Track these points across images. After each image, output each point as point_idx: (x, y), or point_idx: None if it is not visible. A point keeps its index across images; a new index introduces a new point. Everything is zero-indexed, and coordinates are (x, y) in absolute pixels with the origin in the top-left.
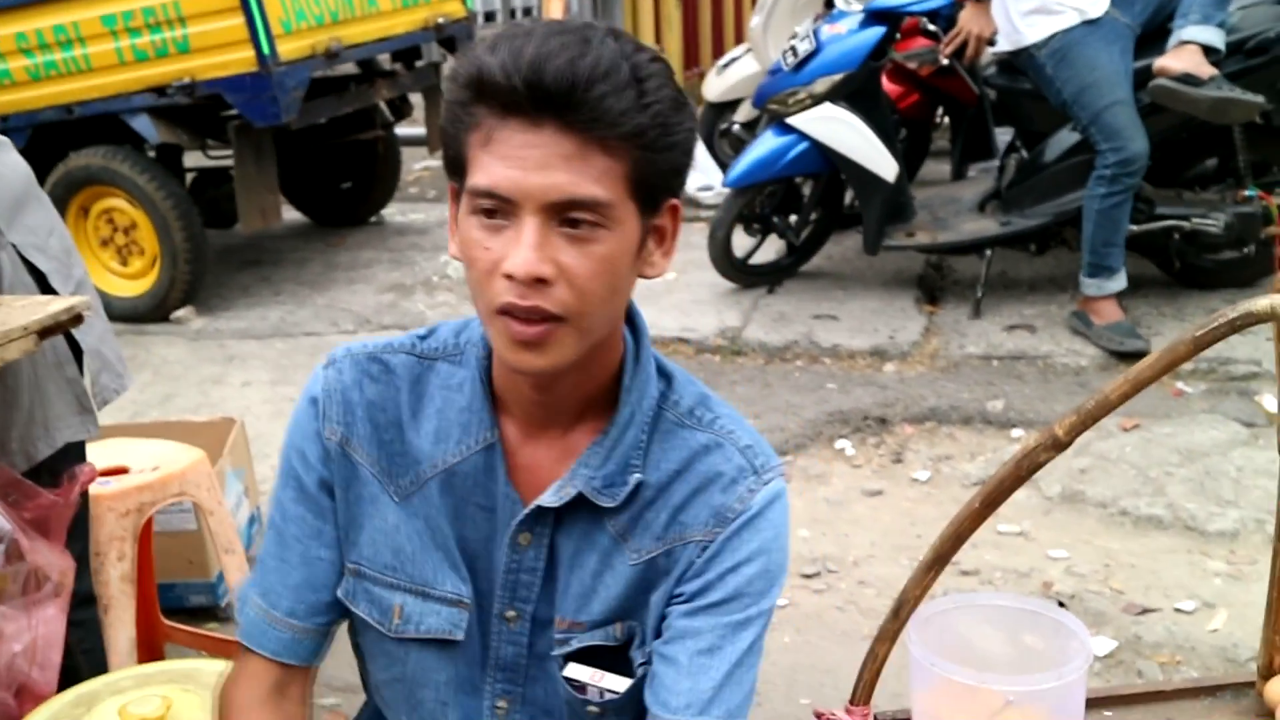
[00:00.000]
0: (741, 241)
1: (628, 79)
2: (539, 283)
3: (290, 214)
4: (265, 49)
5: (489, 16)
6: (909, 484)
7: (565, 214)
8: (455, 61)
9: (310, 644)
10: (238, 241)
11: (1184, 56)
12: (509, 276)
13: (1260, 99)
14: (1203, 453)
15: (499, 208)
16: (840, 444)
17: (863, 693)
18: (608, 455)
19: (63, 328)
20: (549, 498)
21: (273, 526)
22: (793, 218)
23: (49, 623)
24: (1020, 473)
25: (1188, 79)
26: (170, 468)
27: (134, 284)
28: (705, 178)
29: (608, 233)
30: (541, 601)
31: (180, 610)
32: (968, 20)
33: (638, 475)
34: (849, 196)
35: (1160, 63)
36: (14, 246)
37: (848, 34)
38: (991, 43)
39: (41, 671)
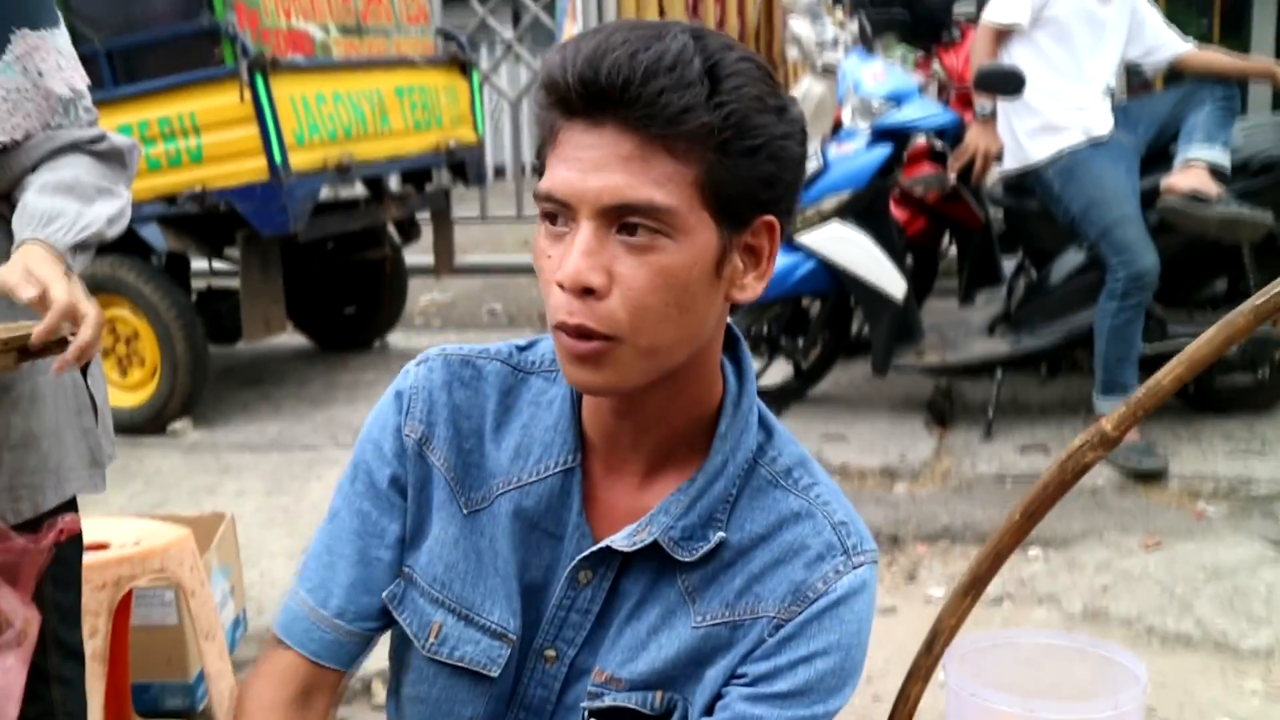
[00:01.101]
0: None
1: (698, 74)
2: (589, 294)
3: (294, 338)
4: (277, 159)
5: (499, 171)
6: (923, 602)
7: (622, 219)
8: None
9: (353, 648)
10: (240, 361)
11: (1191, 175)
12: (561, 286)
13: (1269, 216)
14: (1230, 570)
15: (558, 212)
16: None
17: None
18: (691, 504)
19: (49, 351)
20: (621, 540)
21: (333, 519)
22: (800, 340)
23: (7, 673)
24: (1065, 476)
25: (1195, 197)
26: (152, 542)
27: (132, 395)
28: None
29: (671, 242)
30: (585, 648)
31: (155, 714)
32: (975, 137)
33: (721, 533)
34: (856, 324)
35: (1167, 181)
36: None
37: (855, 153)
38: (999, 159)
39: None
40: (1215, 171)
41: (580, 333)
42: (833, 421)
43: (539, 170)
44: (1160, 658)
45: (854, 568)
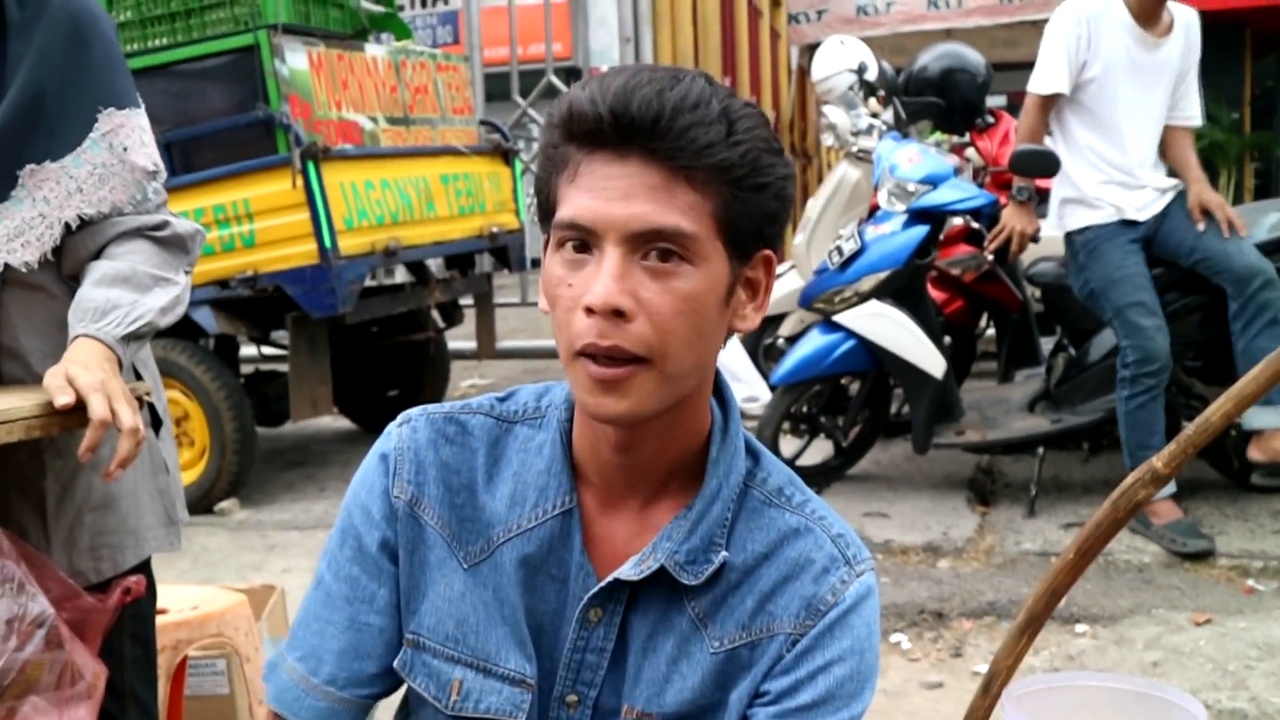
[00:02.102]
0: (788, 446)
1: (717, 114)
2: (618, 317)
3: (338, 421)
4: (327, 243)
5: (535, 264)
6: (970, 677)
7: (648, 245)
8: (551, 106)
9: (346, 716)
10: (285, 444)
11: (1266, 449)
12: (589, 310)
13: None
14: None
15: (582, 240)
16: (896, 638)
17: None
18: (692, 529)
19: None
20: (628, 571)
21: (320, 585)
22: (839, 419)
23: None
24: (1118, 514)
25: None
26: (209, 608)
27: (181, 475)
28: (750, 389)
29: (692, 269)
30: (606, 688)
31: None
32: (1010, 217)
33: (723, 554)
34: (895, 404)
35: (1251, 454)
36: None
37: (892, 234)
38: (1035, 239)
39: None
40: None
41: (612, 354)
42: (874, 500)
43: (543, 210)
44: None
45: (858, 576)
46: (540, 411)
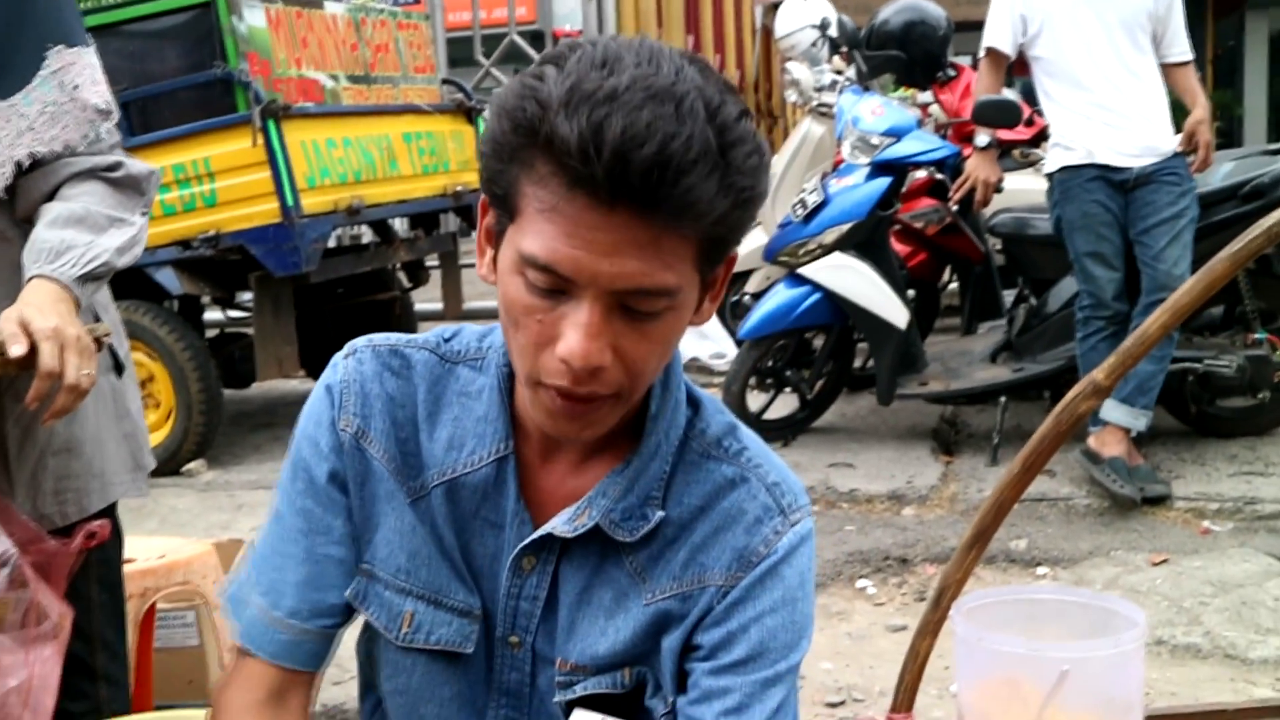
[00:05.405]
0: (755, 400)
1: (715, 158)
2: (595, 369)
3: (305, 383)
4: (289, 201)
5: None
6: None
7: (630, 300)
8: (513, 91)
9: (311, 647)
10: (251, 406)
11: (1101, 439)
12: (565, 362)
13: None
14: (1236, 584)
15: (555, 283)
16: (861, 583)
17: (904, 697)
18: (629, 486)
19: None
20: (561, 526)
21: (277, 519)
22: (805, 372)
23: (45, 663)
24: (1060, 427)
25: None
26: (176, 556)
27: None
28: (717, 346)
29: (672, 313)
30: (541, 635)
31: None
32: (975, 166)
33: (660, 512)
34: (860, 358)
35: (1089, 444)
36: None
37: (854, 186)
38: (999, 189)
39: (33, 715)
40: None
41: (586, 398)
42: (840, 451)
43: (492, 184)
44: (1170, 668)
45: (791, 525)
46: (481, 353)
